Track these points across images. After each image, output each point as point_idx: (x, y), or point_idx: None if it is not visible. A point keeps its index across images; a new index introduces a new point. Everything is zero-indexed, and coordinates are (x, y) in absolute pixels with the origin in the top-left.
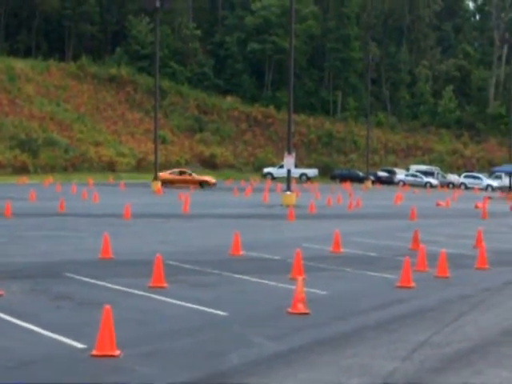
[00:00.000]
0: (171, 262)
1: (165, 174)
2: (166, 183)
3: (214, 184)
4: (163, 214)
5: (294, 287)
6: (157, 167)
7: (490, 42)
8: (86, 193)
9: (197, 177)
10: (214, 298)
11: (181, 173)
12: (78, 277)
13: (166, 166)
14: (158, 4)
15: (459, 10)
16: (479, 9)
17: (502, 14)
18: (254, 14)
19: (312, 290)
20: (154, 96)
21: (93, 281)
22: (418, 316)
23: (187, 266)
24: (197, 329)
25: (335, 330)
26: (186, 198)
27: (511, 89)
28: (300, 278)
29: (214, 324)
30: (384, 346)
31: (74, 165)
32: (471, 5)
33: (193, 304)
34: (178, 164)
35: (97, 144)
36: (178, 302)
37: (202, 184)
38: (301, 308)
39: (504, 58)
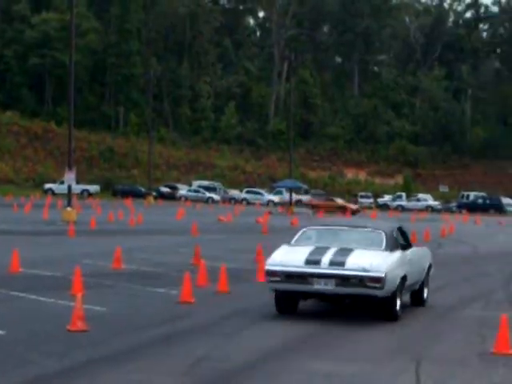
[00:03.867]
0: None
1: (313, 200)
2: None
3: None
4: None
5: (73, 304)
6: None
7: (270, 59)
8: None
9: (338, 203)
10: None
11: (327, 199)
12: None
13: None
14: None
15: (239, 27)
16: (259, 25)
17: (282, 31)
18: (34, 28)
19: (92, 307)
20: None
21: None
22: (198, 331)
23: None
24: None
25: (115, 346)
26: None
27: (291, 105)
28: (79, 295)
29: None
30: (164, 361)
31: None
32: (251, 21)
33: None
34: None
35: None
36: None
37: (341, 208)
38: (80, 325)
39: (284, 75)
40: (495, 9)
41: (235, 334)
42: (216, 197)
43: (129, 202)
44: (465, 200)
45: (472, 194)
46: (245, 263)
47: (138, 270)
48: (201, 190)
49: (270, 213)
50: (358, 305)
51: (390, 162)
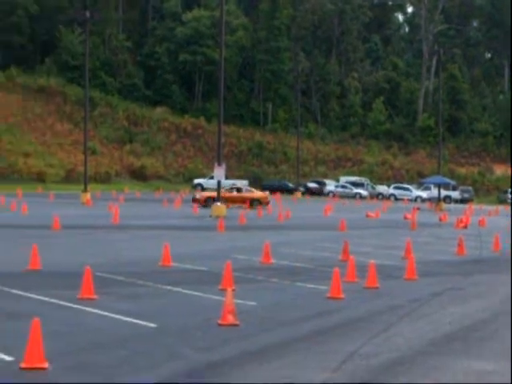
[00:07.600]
0: (101, 274)
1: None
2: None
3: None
4: (93, 226)
5: (223, 298)
6: (86, 178)
7: (418, 54)
8: (14, 204)
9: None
10: (143, 310)
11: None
12: (6, 289)
13: (95, 178)
14: (88, 15)
15: (388, 22)
16: (408, 21)
17: (431, 26)
18: (185, 25)
19: (242, 302)
20: (83, 107)
21: (21, 292)
22: (348, 327)
23: (117, 278)
24: (126, 341)
25: (265, 341)
26: (116, 210)
27: (439, 101)
28: (230, 289)
29: (144, 336)
30: (313, 357)
31: (2, 175)
32: (400, 17)
33: (122, 316)
34: (107, 175)
35: (26, 155)
36: (108, 314)
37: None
38: (230, 319)
39: (433, 70)
40: None
41: (384, 330)
42: (364, 192)
43: (277, 197)
44: None
45: None
46: (393, 259)
47: (286, 265)
48: (348, 185)
49: (418, 209)
50: None
51: None
